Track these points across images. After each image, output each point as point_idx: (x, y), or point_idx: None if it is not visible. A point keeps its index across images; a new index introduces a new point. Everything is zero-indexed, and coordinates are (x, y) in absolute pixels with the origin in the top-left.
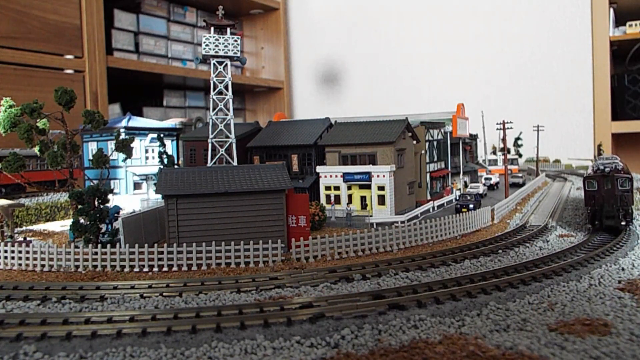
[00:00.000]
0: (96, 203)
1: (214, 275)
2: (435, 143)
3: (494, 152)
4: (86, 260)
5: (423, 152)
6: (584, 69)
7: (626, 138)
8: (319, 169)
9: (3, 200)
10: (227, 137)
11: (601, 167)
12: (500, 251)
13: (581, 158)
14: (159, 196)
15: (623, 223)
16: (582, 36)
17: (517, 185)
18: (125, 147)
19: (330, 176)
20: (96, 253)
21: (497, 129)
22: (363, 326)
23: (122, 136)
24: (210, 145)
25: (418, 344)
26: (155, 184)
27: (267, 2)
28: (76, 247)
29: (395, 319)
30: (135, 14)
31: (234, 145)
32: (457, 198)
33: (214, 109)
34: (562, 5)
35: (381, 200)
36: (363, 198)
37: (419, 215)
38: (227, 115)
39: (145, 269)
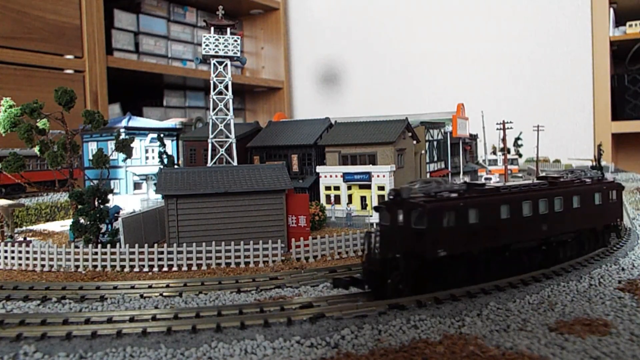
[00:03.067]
0: (96, 203)
1: (214, 275)
2: (435, 143)
3: (494, 152)
4: (86, 260)
5: (423, 152)
6: (584, 69)
7: (626, 138)
8: (319, 169)
9: (3, 200)
10: (227, 137)
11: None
12: None
13: (581, 158)
14: (159, 196)
15: (400, 287)
16: (582, 36)
17: None
18: (125, 147)
19: (330, 176)
20: (96, 253)
21: (497, 129)
22: (363, 326)
23: (122, 136)
24: (210, 145)
25: (418, 344)
26: (155, 184)
27: (267, 2)
28: (76, 247)
29: (395, 319)
30: (135, 14)
31: (234, 145)
32: None
33: (214, 109)
34: (562, 5)
35: (381, 200)
36: (363, 198)
37: None
38: (227, 115)
39: (145, 269)
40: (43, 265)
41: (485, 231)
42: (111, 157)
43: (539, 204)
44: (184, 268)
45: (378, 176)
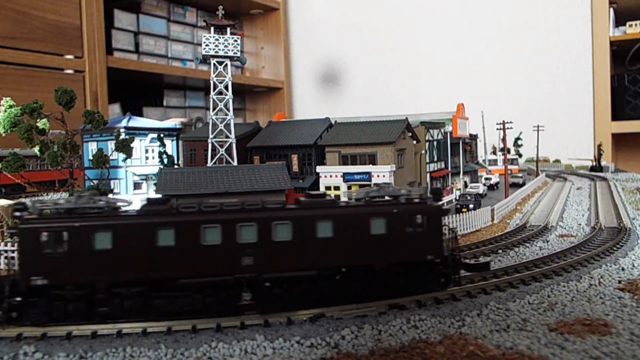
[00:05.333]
0: None
1: None
2: (435, 143)
3: (494, 152)
4: None
5: (423, 152)
6: (584, 69)
7: (626, 138)
8: (319, 169)
9: (3, 200)
10: (227, 137)
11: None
12: (500, 251)
13: (581, 158)
14: (159, 196)
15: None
16: (582, 36)
17: (517, 185)
18: (125, 147)
19: (330, 176)
20: None
21: (497, 129)
22: (363, 326)
23: (122, 136)
24: (210, 145)
25: (418, 344)
26: (155, 184)
27: (267, 2)
28: None
29: (395, 319)
30: (135, 14)
31: (234, 145)
32: (457, 198)
33: (214, 109)
34: (562, 5)
35: None
36: None
37: None
38: (227, 115)
39: None
40: None
41: (126, 260)
42: (111, 157)
43: (237, 231)
44: None
45: (378, 176)
